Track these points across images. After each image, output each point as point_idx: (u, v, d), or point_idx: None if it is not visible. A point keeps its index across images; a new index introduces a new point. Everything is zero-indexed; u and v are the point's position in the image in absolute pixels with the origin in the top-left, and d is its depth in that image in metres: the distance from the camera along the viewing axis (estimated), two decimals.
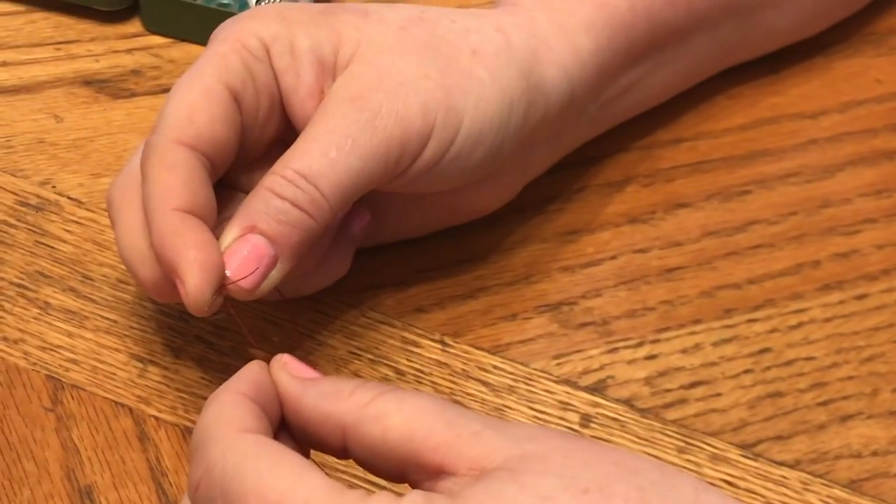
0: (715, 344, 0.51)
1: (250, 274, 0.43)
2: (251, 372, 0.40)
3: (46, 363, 0.49)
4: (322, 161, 0.44)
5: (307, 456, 0.40)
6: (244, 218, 0.44)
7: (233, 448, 0.37)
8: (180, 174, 0.44)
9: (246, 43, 0.46)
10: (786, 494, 0.47)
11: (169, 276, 0.43)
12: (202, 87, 0.45)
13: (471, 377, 0.49)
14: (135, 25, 0.61)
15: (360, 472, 0.42)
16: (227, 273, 0.43)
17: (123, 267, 0.51)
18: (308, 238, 0.44)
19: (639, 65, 0.54)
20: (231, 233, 0.44)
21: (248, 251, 0.43)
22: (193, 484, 0.38)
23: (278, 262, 0.44)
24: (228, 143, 0.45)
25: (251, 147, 0.47)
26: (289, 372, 0.40)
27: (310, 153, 0.44)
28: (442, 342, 0.50)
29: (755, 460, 0.48)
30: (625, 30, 0.52)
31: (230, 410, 0.38)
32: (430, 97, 0.46)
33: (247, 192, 0.47)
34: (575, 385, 0.49)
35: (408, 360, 0.50)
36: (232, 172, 0.47)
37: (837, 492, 0.47)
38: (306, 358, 0.49)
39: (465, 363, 0.50)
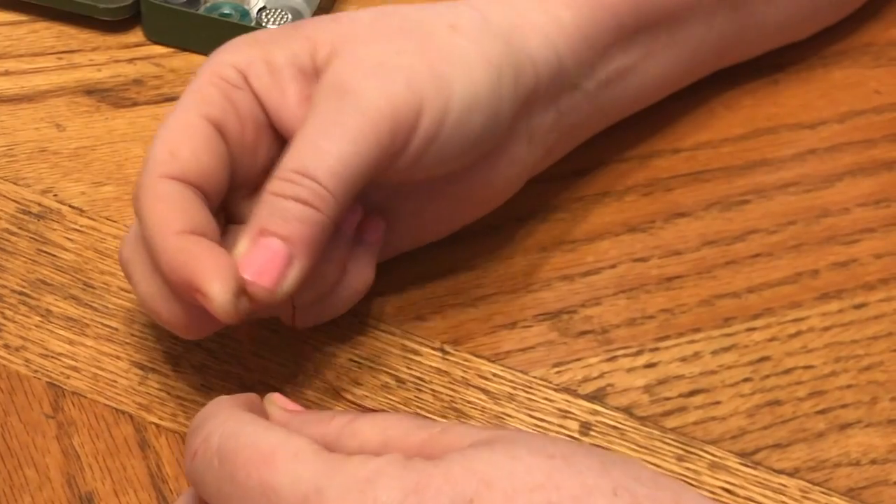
0: (714, 352, 0.51)
1: (268, 273, 0.43)
2: (246, 396, 0.42)
3: (48, 370, 0.49)
4: (315, 154, 0.44)
5: None
6: (254, 226, 0.44)
7: (230, 418, 0.39)
8: (172, 201, 0.44)
9: (222, 74, 0.47)
10: (785, 502, 0.47)
11: (189, 295, 0.43)
12: (181, 123, 0.45)
13: (471, 385, 0.49)
14: (136, 35, 0.61)
15: None
16: (247, 278, 0.43)
17: (124, 274, 0.51)
18: (320, 232, 0.44)
19: (631, 46, 0.54)
20: (243, 242, 0.44)
21: (262, 254, 0.43)
22: (191, 454, 0.39)
23: (294, 260, 0.43)
24: (216, 171, 0.45)
25: (246, 174, 0.47)
26: (277, 405, 0.43)
27: (302, 150, 0.44)
28: (442, 350, 0.50)
29: (754, 468, 0.48)
30: (608, 5, 0.52)
31: (229, 401, 0.41)
32: (412, 70, 0.46)
33: None
34: (574, 393, 0.50)
35: (408, 367, 0.50)
36: (235, 206, 0.48)
37: (836, 500, 0.47)
38: (305, 365, 0.49)
39: (465, 371, 0.50)
